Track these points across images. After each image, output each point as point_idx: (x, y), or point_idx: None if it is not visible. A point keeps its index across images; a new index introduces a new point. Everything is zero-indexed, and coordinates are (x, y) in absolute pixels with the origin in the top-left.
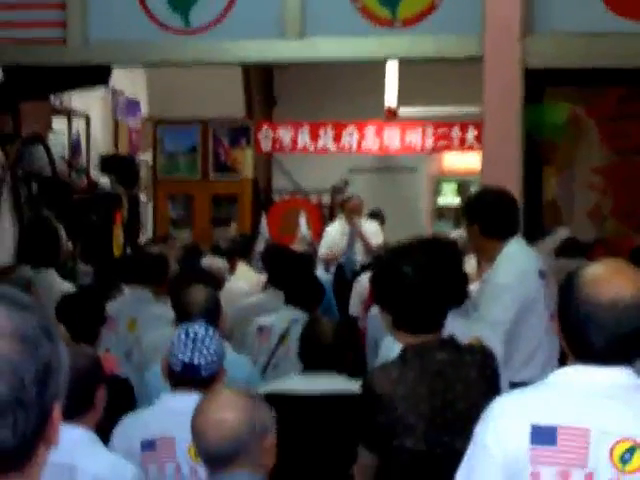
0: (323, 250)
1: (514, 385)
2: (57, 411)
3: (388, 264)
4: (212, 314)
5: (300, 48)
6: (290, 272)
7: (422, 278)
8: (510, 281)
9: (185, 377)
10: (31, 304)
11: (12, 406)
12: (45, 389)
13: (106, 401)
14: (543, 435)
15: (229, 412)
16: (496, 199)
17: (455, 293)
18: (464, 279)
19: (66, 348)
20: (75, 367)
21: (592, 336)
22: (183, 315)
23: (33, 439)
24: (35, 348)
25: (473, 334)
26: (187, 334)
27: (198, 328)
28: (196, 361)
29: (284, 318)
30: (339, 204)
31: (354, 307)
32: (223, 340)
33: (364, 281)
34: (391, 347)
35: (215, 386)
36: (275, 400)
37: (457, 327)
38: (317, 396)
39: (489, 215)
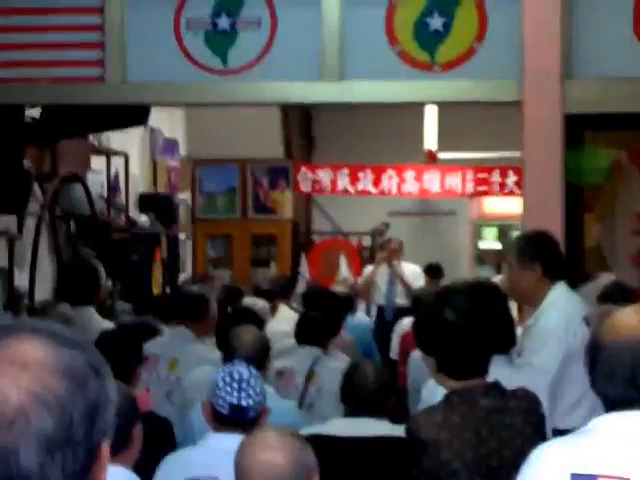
0: (361, 283)
1: (559, 432)
2: (105, 449)
3: (430, 309)
4: (261, 356)
5: (339, 91)
6: (328, 312)
7: (465, 322)
8: (557, 327)
9: (232, 419)
10: (79, 341)
11: (61, 445)
12: (93, 427)
13: (144, 440)
14: None
15: (276, 453)
16: (554, 240)
17: (501, 338)
18: (510, 323)
19: (114, 385)
20: None
21: (614, 383)
22: (230, 355)
23: (82, 478)
24: (84, 386)
25: (517, 380)
26: (231, 375)
27: (242, 369)
28: (244, 402)
29: (303, 358)
30: (379, 247)
31: (395, 350)
32: (266, 383)
33: (405, 324)
34: (433, 392)
35: (258, 426)
36: (319, 442)
37: (501, 373)
38: (361, 439)
39: (551, 255)
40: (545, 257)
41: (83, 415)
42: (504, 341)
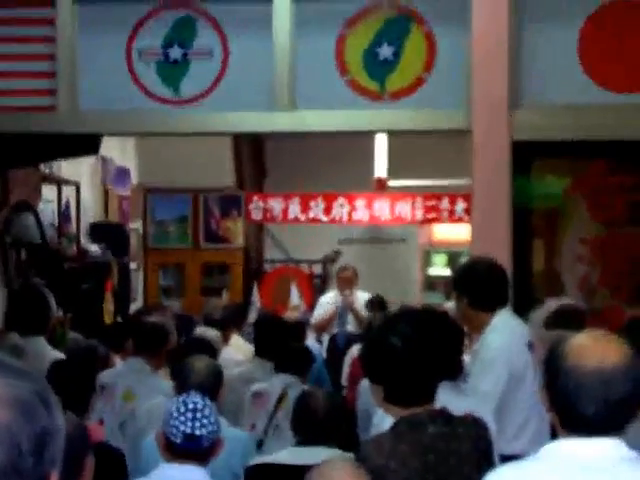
0: (315, 321)
1: (505, 458)
2: (54, 479)
3: (376, 336)
4: (214, 385)
5: (290, 120)
6: (280, 340)
7: (410, 349)
8: (499, 353)
9: (186, 448)
10: (26, 371)
11: (10, 475)
12: (42, 457)
13: (97, 470)
14: None
15: None
16: (484, 271)
17: (448, 365)
18: (456, 351)
19: (61, 415)
20: None
21: (581, 406)
22: (184, 385)
23: None
24: (31, 416)
25: (464, 406)
26: (186, 405)
27: (196, 399)
28: (197, 432)
29: (278, 383)
30: (334, 274)
31: (346, 378)
32: (219, 414)
33: (355, 352)
34: (384, 419)
35: (213, 457)
36: (267, 471)
37: (448, 400)
38: (309, 467)
39: (477, 288)
40: (469, 290)
41: (32, 445)
42: (451, 368)
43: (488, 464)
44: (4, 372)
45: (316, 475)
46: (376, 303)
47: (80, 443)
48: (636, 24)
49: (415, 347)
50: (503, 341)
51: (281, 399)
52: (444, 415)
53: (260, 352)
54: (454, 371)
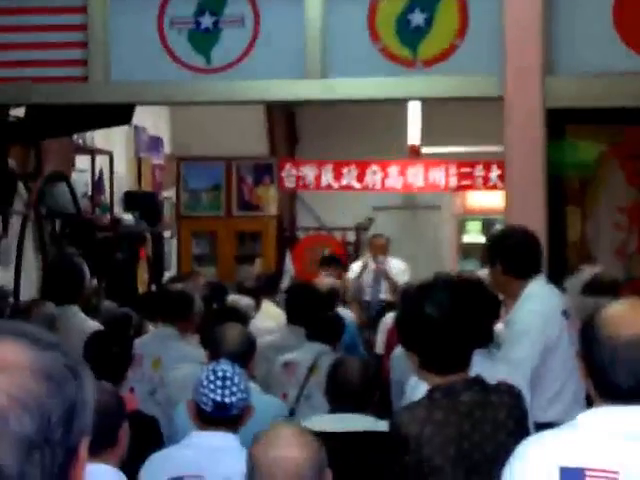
0: (351, 287)
1: (540, 425)
2: (83, 449)
3: (411, 305)
4: (246, 353)
5: (321, 88)
6: (311, 308)
7: (446, 318)
8: (533, 321)
9: (216, 416)
10: (56, 342)
11: (40, 445)
12: (72, 428)
13: (131, 438)
14: (571, 477)
15: (294, 449)
16: (518, 239)
17: (483, 333)
18: (488, 319)
19: (93, 386)
20: (96, 404)
21: (617, 376)
22: (216, 353)
23: (60, 478)
24: (61, 386)
25: (497, 374)
26: (215, 373)
27: (226, 367)
28: (227, 400)
29: (309, 352)
30: (366, 242)
31: (380, 346)
32: (250, 380)
33: (389, 320)
34: (417, 387)
35: (242, 424)
36: None
37: (482, 367)
38: (345, 434)
39: (511, 255)
40: (504, 257)
41: (61, 416)
42: (483, 336)
43: (523, 432)
44: (34, 344)
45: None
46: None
47: (116, 412)
48: None
49: (450, 315)
50: (537, 309)
51: (312, 368)
52: (479, 383)
53: (291, 320)
54: (485, 339)
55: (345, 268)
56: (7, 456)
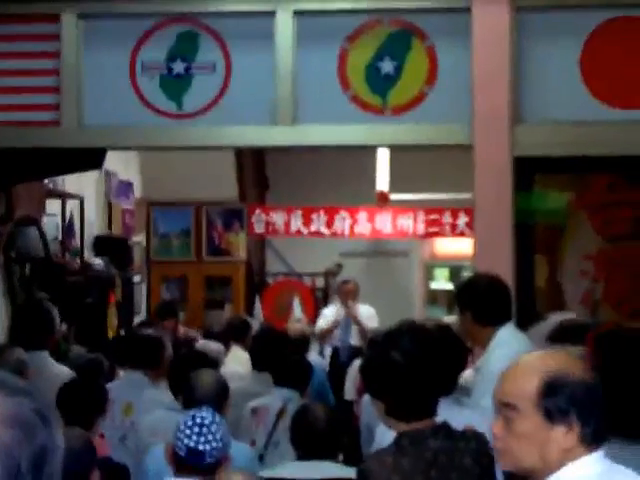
0: (317, 331)
1: (509, 473)
2: None
3: (377, 351)
4: (220, 399)
5: (292, 134)
6: (278, 353)
7: (412, 365)
8: (503, 368)
9: (189, 462)
10: (24, 387)
11: None
12: (42, 474)
13: None
14: None
15: None
16: (487, 286)
17: (449, 380)
18: (458, 366)
19: (62, 430)
20: (67, 450)
21: None
22: (190, 399)
23: None
24: (30, 432)
25: (465, 421)
26: (194, 419)
27: (205, 414)
28: (201, 447)
29: (278, 397)
30: (336, 287)
31: (349, 392)
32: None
33: (358, 366)
34: (386, 433)
35: (218, 473)
36: None
37: (449, 414)
38: None
39: (481, 303)
40: (472, 304)
41: (30, 463)
42: (449, 383)
43: (490, 478)
44: (4, 390)
45: None
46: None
47: (88, 458)
48: (638, 40)
49: (416, 362)
50: (507, 356)
51: (280, 414)
52: (446, 429)
53: (258, 366)
54: (452, 386)
55: (315, 314)
56: None
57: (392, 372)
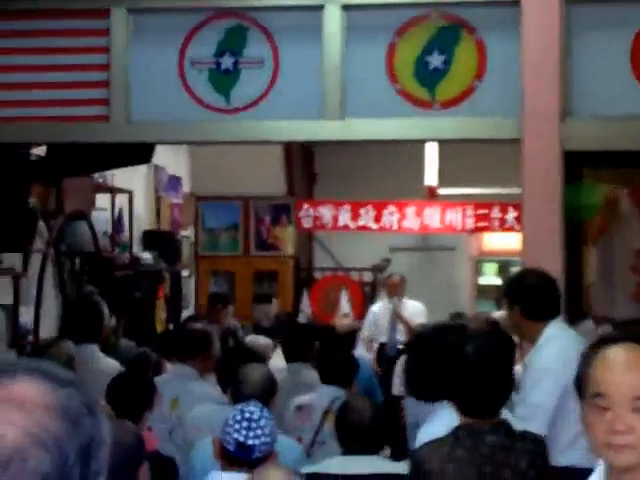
0: (366, 333)
1: (557, 470)
2: None
3: (450, 344)
4: (268, 394)
5: (340, 129)
6: (326, 349)
7: (486, 363)
8: (552, 364)
9: (238, 457)
10: (72, 379)
11: None
12: (89, 467)
13: (150, 479)
14: None
15: None
16: (537, 281)
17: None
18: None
19: (109, 424)
20: (118, 443)
21: None
22: (238, 393)
23: None
24: (78, 424)
25: (514, 417)
26: (242, 414)
27: (254, 408)
28: (250, 442)
29: (324, 395)
30: (382, 283)
31: (397, 387)
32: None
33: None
34: (430, 431)
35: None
36: None
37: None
38: (359, 477)
39: (530, 297)
40: (523, 300)
41: (78, 454)
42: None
43: None
44: (51, 381)
45: None
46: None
47: (137, 452)
48: None
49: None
50: (555, 352)
51: (327, 413)
52: (505, 427)
53: (302, 359)
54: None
55: (362, 309)
56: None
57: (464, 368)
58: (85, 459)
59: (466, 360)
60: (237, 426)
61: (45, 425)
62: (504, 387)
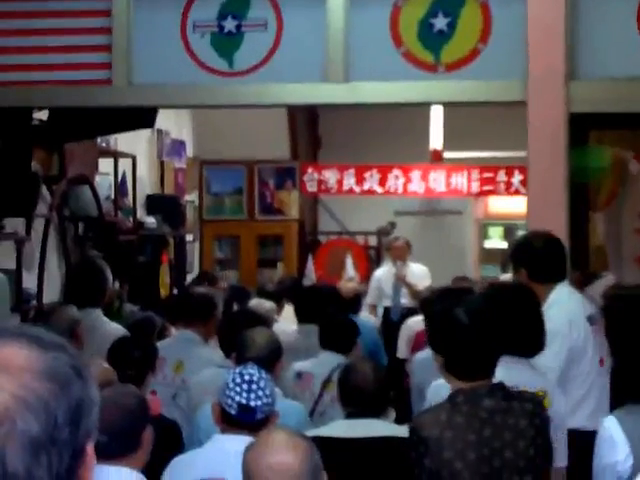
0: (369, 299)
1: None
2: (90, 450)
3: (443, 308)
4: (273, 357)
5: (344, 92)
6: (323, 313)
7: (475, 324)
8: (559, 327)
9: (240, 419)
10: (60, 343)
11: (46, 446)
12: (78, 428)
13: (154, 442)
14: None
15: (288, 454)
16: (543, 244)
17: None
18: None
19: (96, 387)
20: (122, 407)
21: None
22: (242, 357)
23: (68, 479)
24: (67, 387)
25: (524, 381)
26: (242, 376)
27: (253, 371)
28: (252, 403)
29: (324, 363)
30: (386, 247)
31: (401, 350)
32: (274, 385)
33: (411, 324)
34: (437, 392)
35: (266, 429)
36: (319, 444)
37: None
38: (361, 440)
39: (536, 260)
40: (529, 262)
41: (67, 416)
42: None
43: (543, 440)
44: (37, 345)
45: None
46: None
47: (140, 416)
48: None
49: (479, 322)
50: (562, 315)
51: (326, 384)
52: (502, 390)
53: (304, 319)
54: (532, 348)
55: (367, 272)
56: (14, 457)
57: (454, 330)
58: (75, 421)
59: (457, 323)
60: (238, 389)
61: (32, 388)
62: (496, 348)
